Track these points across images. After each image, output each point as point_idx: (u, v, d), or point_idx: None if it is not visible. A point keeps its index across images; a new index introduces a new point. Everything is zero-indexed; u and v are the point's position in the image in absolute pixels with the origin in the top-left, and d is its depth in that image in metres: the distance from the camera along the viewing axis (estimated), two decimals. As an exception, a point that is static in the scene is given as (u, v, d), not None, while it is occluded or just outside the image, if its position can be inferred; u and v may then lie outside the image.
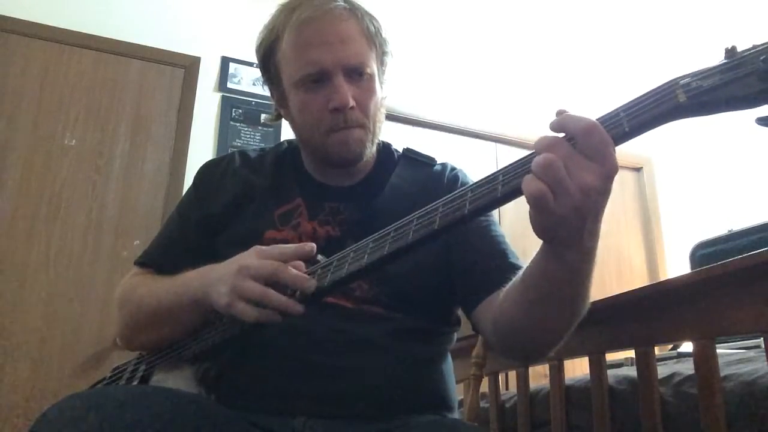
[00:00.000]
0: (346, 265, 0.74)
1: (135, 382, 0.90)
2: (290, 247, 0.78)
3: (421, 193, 0.94)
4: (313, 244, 0.78)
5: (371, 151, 0.97)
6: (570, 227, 0.60)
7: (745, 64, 0.54)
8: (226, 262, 0.80)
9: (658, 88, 0.58)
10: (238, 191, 0.99)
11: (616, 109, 0.60)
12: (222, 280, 0.77)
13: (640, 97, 0.59)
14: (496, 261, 0.91)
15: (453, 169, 1.04)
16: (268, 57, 0.97)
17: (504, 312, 0.81)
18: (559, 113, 0.60)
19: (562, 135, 0.59)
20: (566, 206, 0.57)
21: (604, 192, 0.58)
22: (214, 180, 1.03)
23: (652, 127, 0.57)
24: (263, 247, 0.78)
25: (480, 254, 0.92)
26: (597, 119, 0.60)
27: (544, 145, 0.59)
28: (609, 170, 0.57)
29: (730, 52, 0.56)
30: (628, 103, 0.59)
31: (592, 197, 0.57)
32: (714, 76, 0.55)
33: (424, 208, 0.71)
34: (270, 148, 1.09)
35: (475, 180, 1.01)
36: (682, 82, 0.57)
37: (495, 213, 0.69)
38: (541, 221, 0.60)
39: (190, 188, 1.06)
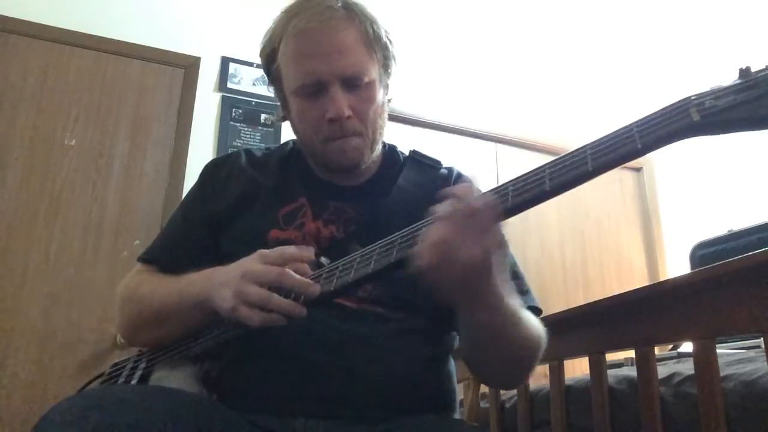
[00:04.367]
0: (352, 271, 0.74)
1: (134, 380, 0.90)
2: (291, 249, 0.78)
3: (426, 197, 0.94)
4: (312, 250, 0.78)
5: (370, 157, 0.97)
6: (461, 292, 0.68)
7: (759, 85, 0.54)
8: (230, 266, 0.80)
9: (672, 105, 0.58)
10: (242, 190, 0.99)
11: (629, 125, 0.60)
12: (226, 283, 0.77)
13: (654, 114, 0.59)
14: None
15: (460, 175, 1.04)
16: (269, 62, 0.97)
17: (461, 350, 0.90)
18: (448, 193, 0.66)
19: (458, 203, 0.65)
20: (456, 274, 0.64)
21: (486, 261, 0.65)
22: (219, 178, 1.03)
23: (665, 144, 0.58)
24: (267, 251, 0.78)
25: None
26: (610, 134, 0.61)
27: (440, 216, 0.65)
28: (492, 244, 0.65)
29: (745, 72, 0.56)
30: (641, 120, 0.60)
31: (479, 266, 0.65)
32: (728, 96, 0.55)
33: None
34: (275, 147, 1.09)
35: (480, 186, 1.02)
36: (696, 101, 0.56)
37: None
38: (436, 287, 0.67)
39: (194, 186, 1.06)
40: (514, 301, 0.77)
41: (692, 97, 0.57)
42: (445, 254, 0.64)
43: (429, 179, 1.01)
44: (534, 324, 0.85)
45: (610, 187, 3.71)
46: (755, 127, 0.54)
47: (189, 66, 2.86)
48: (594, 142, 0.62)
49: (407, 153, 1.07)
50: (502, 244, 0.65)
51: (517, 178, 0.66)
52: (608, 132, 0.61)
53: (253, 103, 2.90)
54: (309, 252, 0.78)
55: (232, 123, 2.86)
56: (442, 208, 0.66)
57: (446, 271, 0.64)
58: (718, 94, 0.56)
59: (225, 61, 2.92)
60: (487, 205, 0.65)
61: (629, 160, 0.59)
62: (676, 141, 0.57)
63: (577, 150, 0.62)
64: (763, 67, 0.55)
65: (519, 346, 0.80)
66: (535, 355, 0.86)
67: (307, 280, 0.75)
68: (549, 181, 0.62)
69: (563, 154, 0.64)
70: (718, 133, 0.56)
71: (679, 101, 0.58)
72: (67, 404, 0.65)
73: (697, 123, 0.55)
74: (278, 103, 1.03)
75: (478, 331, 0.76)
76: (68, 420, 0.62)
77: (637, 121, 0.60)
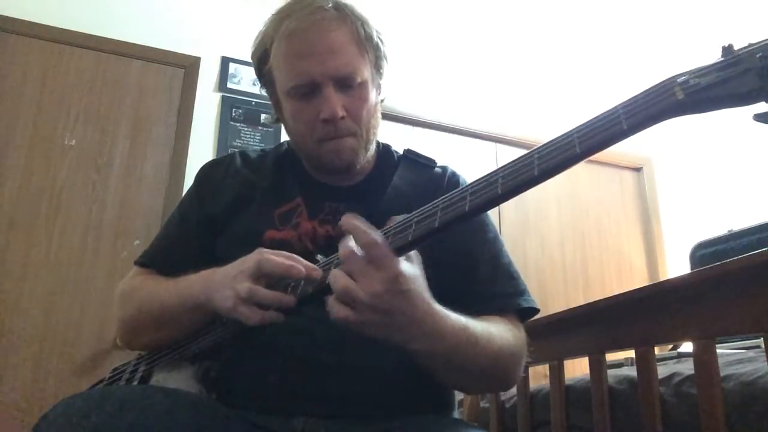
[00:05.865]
0: None
1: (135, 383, 0.90)
2: (302, 261, 0.78)
3: (421, 195, 0.94)
4: (320, 271, 0.78)
5: (364, 157, 0.96)
6: (385, 326, 0.67)
7: (742, 62, 0.55)
8: (228, 266, 0.81)
9: (657, 86, 0.59)
10: (238, 191, 0.99)
11: (615, 107, 0.60)
12: (225, 283, 0.78)
13: (639, 95, 0.59)
14: (481, 288, 0.93)
15: (454, 174, 1.04)
16: (261, 64, 0.97)
17: None
18: (346, 224, 0.67)
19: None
20: (366, 313, 0.65)
21: (394, 292, 0.65)
22: (214, 180, 1.03)
23: (651, 125, 0.58)
24: (266, 250, 0.78)
25: (476, 279, 0.93)
26: (597, 117, 0.61)
27: (344, 256, 0.67)
28: (391, 276, 0.65)
29: (727, 50, 0.56)
30: (627, 101, 0.60)
31: (384, 299, 0.65)
32: (711, 74, 0.56)
33: (423, 207, 0.71)
34: (270, 148, 1.09)
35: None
36: (680, 79, 0.57)
37: (495, 214, 0.70)
38: (359, 330, 0.67)
39: (190, 188, 1.06)
40: (466, 322, 0.76)
41: (676, 76, 0.57)
42: (349, 300, 0.65)
43: (424, 178, 1.01)
44: (503, 337, 0.83)
45: (610, 187, 3.71)
46: (739, 103, 0.55)
47: (189, 66, 2.86)
48: (581, 125, 0.62)
49: (401, 152, 1.07)
50: (397, 275, 0.65)
51: (506, 165, 0.66)
52: (595, 115, 0.62)
53: (253, 103, 2.90)
54: (317, 272, 0.77)
55: (232, 123, 2.86)
56: (344, 249, 0.67)
57: (359, 309, 0.65)
58: (701, 72, 0.56)
59: (225, 61, 2.93)
60: (370, 243, 0.65)
61: (616, 142, 0.59)
62: (661, 121, 0.58)
63: (565, 134, 0.62)
64: (746, 44, 0.56)
65: (481, 364, 0.79)
66: (507, 369, 0.85)
67: (311, 265, 0.77)
68: (538, 166, 0.62)
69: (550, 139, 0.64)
70: (704, 111, 0.56)
71: (663, 81, 0.58)
72: (67, 404, 0.65)
73: (681, 101, 0.55)
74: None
75: (423, 359, 0.75)
76: (68, 420, 0.62)
77: (622, 103, 0.60)
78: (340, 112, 0.89)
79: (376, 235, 0.66)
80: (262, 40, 0.95)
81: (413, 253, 0.70)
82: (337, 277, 0.67)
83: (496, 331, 0.83)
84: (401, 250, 0.69)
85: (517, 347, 0.86)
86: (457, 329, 0.74)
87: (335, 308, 0.67)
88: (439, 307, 0.72)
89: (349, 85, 0.91)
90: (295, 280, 0.78)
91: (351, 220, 0.67)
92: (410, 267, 0.68)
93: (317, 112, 0.90)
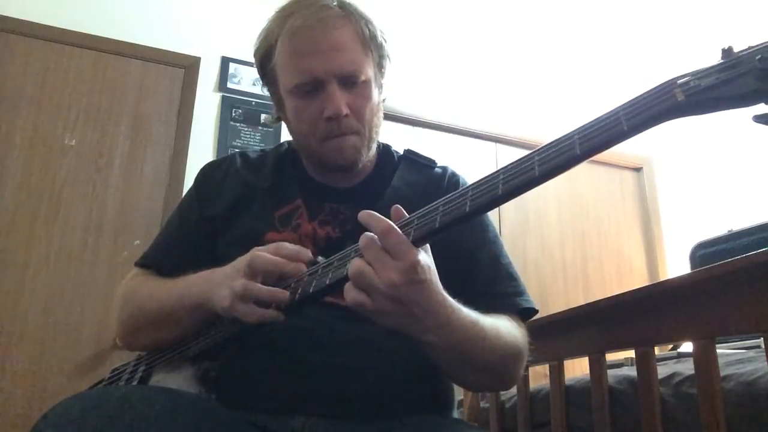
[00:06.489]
0: (347, 264, 0.74)
1: (134, 383, 0.90)
2: (288, 245, 0.79)
3: (421, 196, 0.94)
4: (308, 252, 0.79)
5: (367, 156, 0.96)
6: (400, 316, 0.67)
7: (741, 64, 0.55)
8: (226, 266, 0.81)
9: (657, 87, 0.59)
10: (238, 193, 0.99)
11: (615, 109, 0.61)
12: (223, 283, 0.78)
13: (639, 96, 0.60)
14: (487, 288, 0.93)
15: (454, 174, 1.04)
16: (264, 63, 0.97)
17: None
18: (362, 215, 0.67)
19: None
20: (382, 302, 0.65)
21: (410, 282, 0.64)
22: (214, 181, 1.03)
23: (651, 126, 0.58)
24: (261, 248, 0.79)
25: (479, 278, 0.93)
26: (597, 118, 0.61)
27: (363, 244, 0.66)
28: (409, 266, 0.64)
29: (727, 53, 0.57)
30: (627, 103, 0.60)
31: (401, 289, 0.64)
32: (711, 76, 0.56)
33: (424, 208, 0.71)
34: (270, 149, 1.09)
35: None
36: (680, 81, 0.57)
37: (495, 215, 0.70)
38: (373, 318, 0.67)
39: (190, 189, 1.06)
40: (477, 316, 0.76)
41: (676, 78, 0.58)
42: (368, 283, 0.65)
43: (424, 179, 1.01)
44: (511, 334, 0.84)
45: (610, 187, 3.71)
46: (739, 105, 0.55)
47: (189, 66, 2.86)
48: (581, 127, 0.62)
49: (401, 152, 1.07)
50: (415, 265, 0.65)
51: (507, 165, 0.66)
52: (595, 116, 0.62)
53: (253, 103, 2.90)
54: (306, 253, 0.78)
55: (232, 123, 2.86)
56: (361, 241, 0.67)
57: (375, 297, 0.65)
58: (701, 74, 0.57)
59: (225, 61, 2.93)
60: (387, 229, 0.65)
61: (617, 143, 0.60)
62: (661, 122, 0.58)
63: (565, 135, 0.63)
64: (746, 47, 0.56)
65: (488, 359, 0.78)
66: (511, 366, 0.85)
67: (301, 264, 0.77)
68: (538, 167, 0.62)
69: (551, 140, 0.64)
70: (704, 113, 0.57)
71: (664, 83, 0.58)
72: (67, 404, 0.65)
73: (681, 103, 0.56)
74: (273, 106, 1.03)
75: (435, 352, 0.75)
76: (68, 420, 0.62)
77: (623, 105, 0.60)
78: (344, 110, 0.89)
79: (392, 223, 0.66)
80: (266, 37, 0.95)
81: (426, 245, 0.70)
82: (355, 264, 0.66)
83: (503, 327, 0.83)
84: (430, 237, 0.68)
85: (522, 345, 0.86)
86: (468, 323, 0.74)
87: (351, 293, 0.66)
88: (451, 300, 0.72)
89: (352, 83, 0.91)
90: (296, 280, 0.78)
91: (367, 212, 0.68)
92: (426, 257, 0.68)
93: (321, 110, 0.90)
